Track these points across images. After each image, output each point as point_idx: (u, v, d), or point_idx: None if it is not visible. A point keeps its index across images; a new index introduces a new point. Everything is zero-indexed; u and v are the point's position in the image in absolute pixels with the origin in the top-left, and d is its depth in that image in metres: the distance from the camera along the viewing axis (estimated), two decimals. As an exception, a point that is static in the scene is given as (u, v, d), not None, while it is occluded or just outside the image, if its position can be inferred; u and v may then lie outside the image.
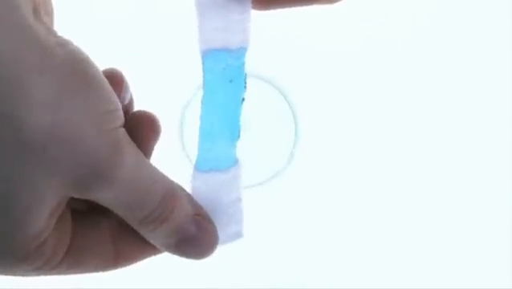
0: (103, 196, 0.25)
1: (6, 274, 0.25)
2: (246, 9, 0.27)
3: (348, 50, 0.57)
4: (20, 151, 0.23)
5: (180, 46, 0.46)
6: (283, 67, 0.56)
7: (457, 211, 0.56)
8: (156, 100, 0.38)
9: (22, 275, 0.25)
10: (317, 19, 0.55)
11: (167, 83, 0.55)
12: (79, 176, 0.24)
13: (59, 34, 0.24)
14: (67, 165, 0.23)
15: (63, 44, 0.24)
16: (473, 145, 0.56)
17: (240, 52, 0.27)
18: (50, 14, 0.26)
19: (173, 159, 0.53)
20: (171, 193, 0.26)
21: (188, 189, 0.28)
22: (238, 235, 0.29)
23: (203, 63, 0.27)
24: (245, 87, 0.28)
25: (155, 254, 0.28)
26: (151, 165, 0.26)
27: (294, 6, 0.27)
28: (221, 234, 0.28)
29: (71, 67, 0.24)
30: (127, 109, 0.28)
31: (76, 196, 0.24)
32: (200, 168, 0.28)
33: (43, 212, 0.24)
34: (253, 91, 0.54)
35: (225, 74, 0.27)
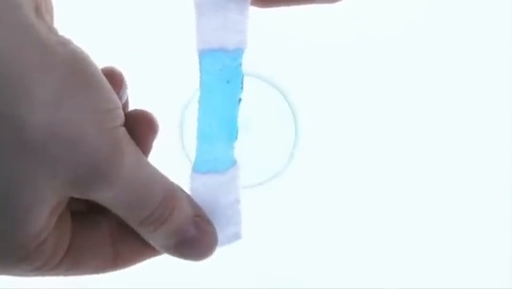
0: (104, 195, 0.25)
1: (5, 274, 0.25)
2: (245, 9, 0.27)
3: (348, 50, 0.57)
4: (21, 150, 0.22)
5: (180, 46, 0.46)
6: (283, 67, 0.56)
7: (457, 211, 0.56)
8: (155, 100, 0.38)
9: (21, 276, 0.25)
10: (317, 19, 0.55)
11: (167, 83, 0.55)
12: (79, 174, 0.24)
13: (60, 33, 0.24)
14: (68, 164, 0.23)
15: (64, 43, 0.24)
16: (472, 144, 0.56)
17: (237, 53, 0.27)
18: (50, 12, 0.26)
19: (173, 159, 0.53)
20: (171, 193, 0.26)
21: (187, 190, 0.28)
22: (237, 237, 0.29)
23: (200, 63, 0.27)
24: (242, 88, 0.28)
25: (154, 256, 0.28)
26: (151, 165, 0.26)
27: (295, 4, 0.27)
28: (220, 236, 0.28)
29: (72, 66, 0.24)
30: (123, 108, 0.28)
31: (76, 195, 0.24)
32: (198, 169, 0.28)
33: (44, 211, 0.23)
34: (253, 91, 0.54)
35: (221, 74, 0.27)
